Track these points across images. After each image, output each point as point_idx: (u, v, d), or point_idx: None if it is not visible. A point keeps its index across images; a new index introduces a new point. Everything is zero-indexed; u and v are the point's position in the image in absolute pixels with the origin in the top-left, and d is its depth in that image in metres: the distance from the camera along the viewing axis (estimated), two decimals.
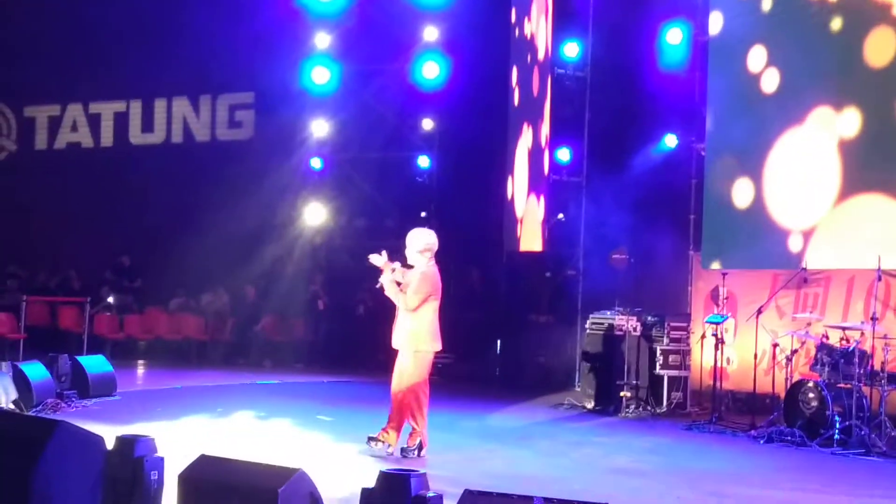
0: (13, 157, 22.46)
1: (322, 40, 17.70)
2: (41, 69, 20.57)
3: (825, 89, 12.38)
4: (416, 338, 8.88)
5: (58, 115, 22.25)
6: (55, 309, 17.77)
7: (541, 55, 15.86)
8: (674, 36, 14.48)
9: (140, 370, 16.45)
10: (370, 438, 9.03)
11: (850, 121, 12.05)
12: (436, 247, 9.04)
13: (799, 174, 12.60)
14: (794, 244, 12.59)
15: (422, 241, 8.98)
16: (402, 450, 8.94)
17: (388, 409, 9.12)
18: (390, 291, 8.94)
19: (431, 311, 8.90)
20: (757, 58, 13.16)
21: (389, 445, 8.94)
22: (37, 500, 6.22)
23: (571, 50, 15.36)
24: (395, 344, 9.05)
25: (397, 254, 9.19)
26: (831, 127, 12.22)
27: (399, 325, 8.97)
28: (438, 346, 9.02)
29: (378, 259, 9.00)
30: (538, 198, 15.73)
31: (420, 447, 8.92)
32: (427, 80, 16.58)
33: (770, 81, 13.00)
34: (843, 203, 12.15)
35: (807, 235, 12.50)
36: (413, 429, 8.97)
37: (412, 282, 8.88)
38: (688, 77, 14.26)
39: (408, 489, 5.17)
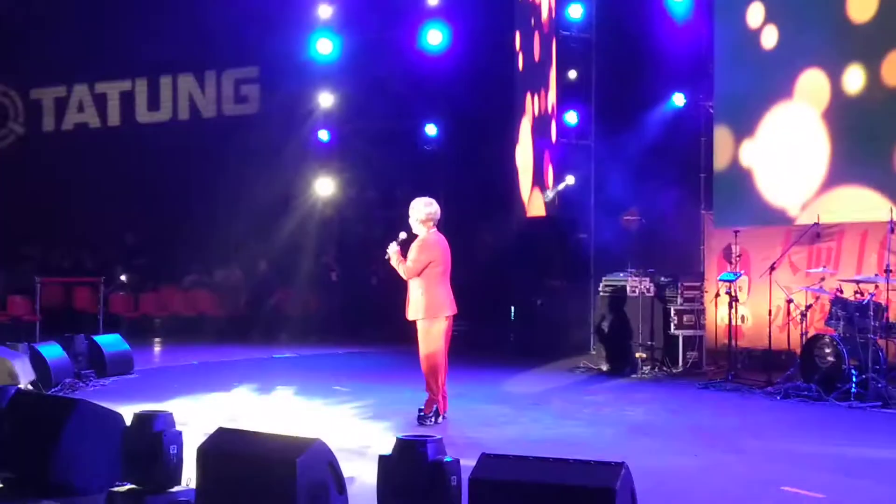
0: (21, 140, 22.48)
1: (324, 11, 17.60)
2: (45, 51, 20.52)
3: (824, 44, 12.29)
4: (425, 306, 8.94)
5: (64, 96, 22.26)
6: (70, 290, 17.84)
7: (545, 17, 15.74)
8: None
9: (156, 348, 16.53)
10: (420, 418, 9.02)
11: (852, 77, 11.96)
12: (437, 215, 9.13)
13: (808, 128, 12.53)
14: (805, 199, 12.52)
15: (422, 211, 9.06)
16: (420, 417, 8.99)
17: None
18: (393, 261, 9.03)
19: (436, 276, 8.95)
20: (755, 14, 13.07)
21: (438, 414, 8.99)
22: (58, 477, 6.29)
23: (576, 11, 15.24)
24: (409, 316, 9.11)
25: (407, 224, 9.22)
26: (830, 85, 12.13)
27: (411, 296, 9.04)
28: (449, 311, 9.06)
29: (392, 245, 9.04)
30: (545, 162, 15.67)
31: (437, 414, 8.98)
32: (431, 47, 16.47)
33: (769, 37, 12.91)
34: (849, 158, 12.09)
35: (817, 190, 12.44)
36: (429, 395, 9.02)
37: (412, 251, 8.98)
38: (694, 34, 14.12)
39: (425, 455, 5.18)
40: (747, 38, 13.22)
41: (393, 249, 9.03)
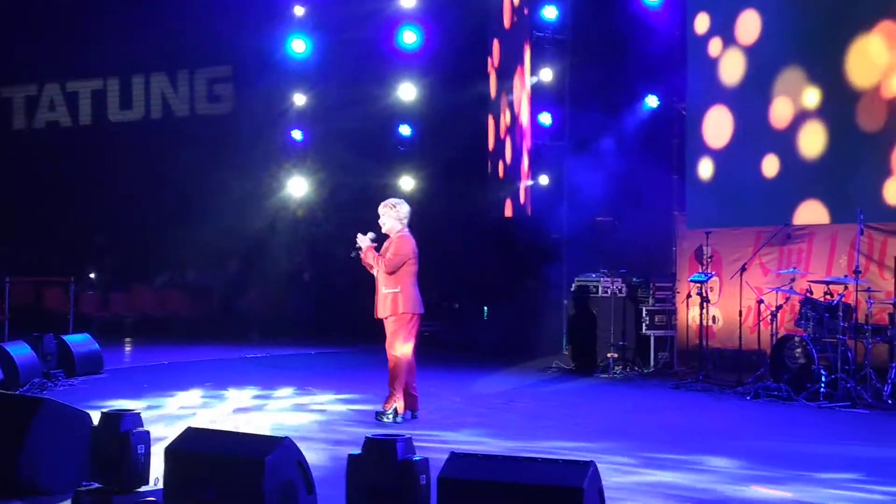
0: None
1: (298, 10, 17.55)
2: (17, 49, 20.36)
3: (806, 39, 12.38)
4: (397, 302, 8.95)
5: (35, 94, 22.06)
6: (39, 289, 17.69)
7: (506, 22, 15.76)
8: None
9: (127, 347, 16.42)
10: (378, 414, 9.02)
11: (829, 74, 12.06)
12: (408, 215, 9.16)
13: (780, 128, 12.61)
14: (777, 200, 12.60)
15: (403, 210, 9.13)
16: (377, 413, 9.00)
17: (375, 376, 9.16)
18: (369, 256, 9.02)
19: (410, 275, 9.01)
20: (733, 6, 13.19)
21: (396, 413, 8.98)
22: (24, 477, 6.22)
23: (550, 12, 15.25)
24: (379, 314, 9.09)
25: (375, 224, 9.22)
26: (808, 85, 12.23)
27: (381, 294, 9.02)
28: (420, 310, 9.09)
29: (364, 240, 9.04)
30: (520, 163, 15.68)
31: (395, 412, 8.97)
32: (406, 47, 16.46)
33: (748, 31, 12.98)
34: (824, 156, 12.18)
35: (789, 191, 12.52)
36: (391, 393, 9.01)
37: (392, 246, 9.00)
38: (668, 36, 14.17)
39: (394, 454, 5.16)
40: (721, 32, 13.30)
41: (366, 243, 9.02)
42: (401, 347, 8.96)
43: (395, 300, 8.94)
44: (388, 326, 9.03)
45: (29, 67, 21.17)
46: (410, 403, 9.12)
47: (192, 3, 18.39)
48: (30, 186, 20.21)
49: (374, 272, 9.11)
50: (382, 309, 9.03)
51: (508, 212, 15.92)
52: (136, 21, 19.29)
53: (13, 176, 20.50)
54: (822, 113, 12.21)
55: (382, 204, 9.19)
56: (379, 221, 9.14)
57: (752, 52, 12.96)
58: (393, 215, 9.07)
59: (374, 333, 9.32)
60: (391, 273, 8.93)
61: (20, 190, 20.24)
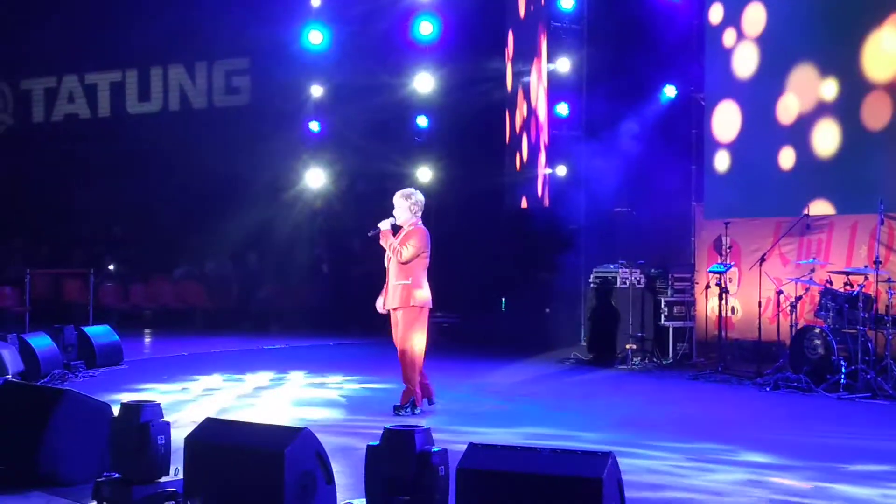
0: (11, 131, 22.39)
1: (316, 1, 17.55)
2: (36, 42, 20.44)
3: (822, 30, 12.31)
4: (411, 293, 8.91)
5: (54, 86, 22.15)
6: (59, 281, 17.79)
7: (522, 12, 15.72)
8: None
9: (146, 339, 16.50)
10: (396, 408, 9.02)
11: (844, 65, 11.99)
12: (423, 206, 9.14)
13: (798, 116, 12.55)
14: (796, 190, 12.54)
15: (420, 201, 9.10)
16: (395, 407, 8.99)
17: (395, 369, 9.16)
18: (387, 241, 8.98)
19: (423, 268, 8.99)
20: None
21: (414, 405, 8.98)
22: (45, 467, 6.27)
23: (567, 2, 15.18)
24: (388, 305, 9.04)
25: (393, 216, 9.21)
26: (821, 80, 12.16)
27: (392, 285, 8.98)
28: (430, 304, 9.06)
29: (385, 223, 9.03)
30: (537, 153, 15.64)
31: (413, 405, 8.96)
32: (423, 38, 16.44)
33: (756, 22, 12.91)
34: (844, 146, 12.12)
35: (805, 182, 12.46)
36: (407, 387, 9.01)
37: (410, 236, 8.94)
38: (686, 25, 14.11)
39: (413, 445, 5.17)
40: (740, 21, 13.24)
41: (387, 226, 9.00)
42: (416, 340, 8.93)
43: (407, 292, 8.90)
44: (400, 318, 8.97)
45: (48, 60, 21.26)
46: (425, 392, 9.12)
47: None
48: (49, 179, 20.30)
49: (386, 260, 9.08)
50: (392, 300, 8.98)
51: (525, 202, 15.89)
52: (154, 13, 19.32)
53: (32, 168, 20.60)
54: (838, 106, 12.13)
55: (399, 193, 9.15)
56: (394, 212, 9.11)
57: (764, 44, 12.89)
58: (407, 206, 9.04)
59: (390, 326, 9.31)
60: (405, 264, 8.92)
61: (39, 182, 20.34)
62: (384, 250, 9.05)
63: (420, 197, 9.14)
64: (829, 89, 12.20)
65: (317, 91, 17.93)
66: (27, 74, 22.13)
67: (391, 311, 9.06)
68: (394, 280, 8.98)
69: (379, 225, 9.04)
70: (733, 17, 13.35)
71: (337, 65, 17.60)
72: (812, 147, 12.42)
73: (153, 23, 19.36)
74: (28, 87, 22.38)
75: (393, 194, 9.25)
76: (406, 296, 8.91)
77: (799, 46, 12.56)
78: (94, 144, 20.68)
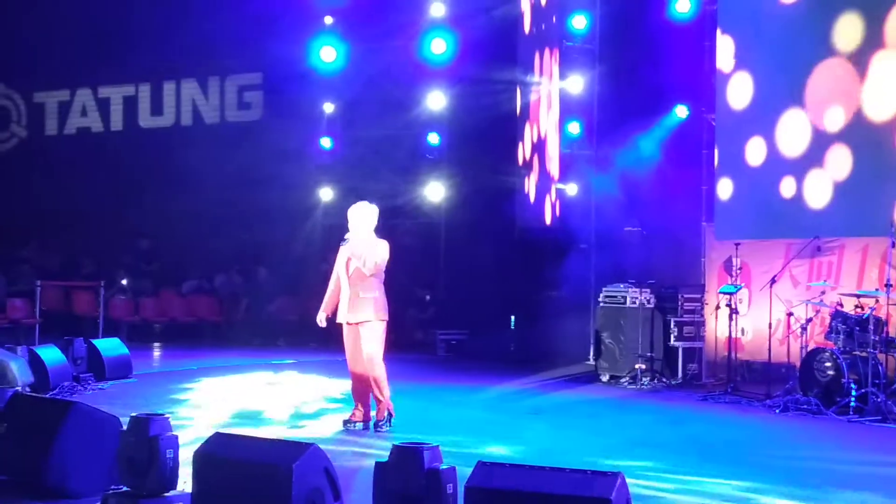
0: (24, 144, 22.50)
1: (328, 18, 17.62)
2: (49, 55, 20.56)
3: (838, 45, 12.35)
4: (377, 307, 8.95)
5: (67, 100, 22.28)
6: (69, 293, 17.83)
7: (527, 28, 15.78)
8: (682, 4, 14.32)
9: (155, 352, 16.51)
10: (345, 422, 9.11)
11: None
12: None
13: (810, 139, 12.54)
14: (808, 212, 12.52)
15: (372, 215, 9.23)
16: (375, 424, 9.00)
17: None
18: (351, 252, 9.02)
19: (381, 281, 9.08)
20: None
21: (362, 422, 9.04)
22: (53, 479, 6.27)
23: (580, 22, 15.24)
24: (352, 318, 8.98)
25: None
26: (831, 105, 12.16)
27: (355, 298, 8.95)
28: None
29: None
30: (548, 171, 15.67)
31: (389, 417, 8.99)
32: (435, 57, 16.49)
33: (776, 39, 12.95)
34: (857, 167, 12.10)
35: (820, 202, 12.44)
36: (379, 401, 9.03)
37: (379, 249, 9.00)
38: (697, 47, 14.13)
39: (421, 462, 5.17)
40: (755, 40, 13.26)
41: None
42: (379, 353, 8.97)
43: (376, 305, 8.94)
44: (366, 332, 8.94)
45: (61, 73, 21.38)
46: (368, 414, 9.12)
47: (223, 11, 18.50)
48: (61, 191, 20.37)
49: (343, 271, 9.03)
50: (361, 313, 8.94)
51: (536, 220, 15.89)
52: (167, 28, 19.43)
53: (44, 181, 20.67)
54: (848, 134, 12.14)
55: (364, 204, 9.27)
56: (357, 224, 9.13)
57: (760, 75, 12.93)
58: (369, 220, 9.16)
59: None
60: (371, 276, 8.93)
61: (51, 195, 20.41)
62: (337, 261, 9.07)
63: (377, 212, 9.29)
64: (836, 119, 12.20)
65: (329, 107, 17.97)
66: (41, 87, 22.26)
67: (351, 325, 9.02)
68: (361, 293, 8.96)
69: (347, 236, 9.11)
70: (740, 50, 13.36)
71: (349, 82, 17.66)
72: (824, 169, 12.40)
73: (166, 38, 19.46)
74: (41, 100, 22.50)
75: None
76: (375, 309, 8.93)
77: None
78: (106, 158, 20.77)
